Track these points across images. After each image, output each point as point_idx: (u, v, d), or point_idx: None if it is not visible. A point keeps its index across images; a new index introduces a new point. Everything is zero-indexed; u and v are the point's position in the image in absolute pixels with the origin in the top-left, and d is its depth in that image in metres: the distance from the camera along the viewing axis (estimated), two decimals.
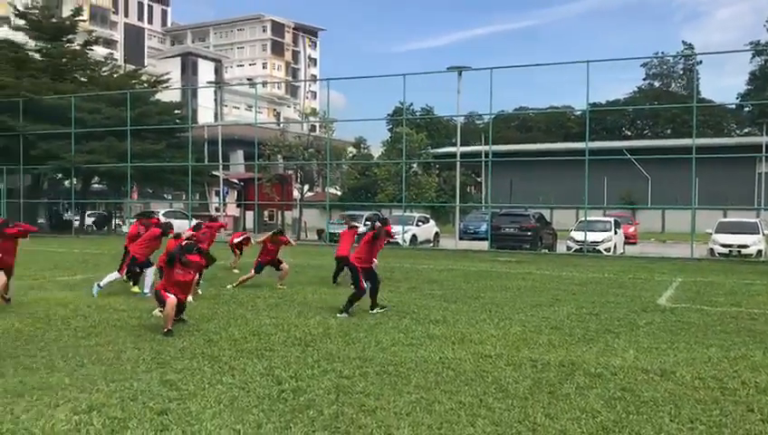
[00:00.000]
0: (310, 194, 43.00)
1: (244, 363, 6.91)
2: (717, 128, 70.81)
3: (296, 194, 39.12)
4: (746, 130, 70.76)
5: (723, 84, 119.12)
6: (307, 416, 5.24)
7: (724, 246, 24.02)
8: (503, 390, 6.12)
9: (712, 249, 24.29)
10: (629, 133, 78.70)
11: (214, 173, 39.37)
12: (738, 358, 7.57)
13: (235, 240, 16.79)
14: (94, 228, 40.25)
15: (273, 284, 13.42)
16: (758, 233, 24.29)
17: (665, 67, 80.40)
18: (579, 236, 26.67)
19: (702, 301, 12.56)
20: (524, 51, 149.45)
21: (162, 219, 15.17)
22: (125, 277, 12.31)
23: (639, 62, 75.25)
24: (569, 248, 27.04)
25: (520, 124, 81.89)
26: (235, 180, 42.77)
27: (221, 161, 37.11)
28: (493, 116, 36.31)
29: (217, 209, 38.11)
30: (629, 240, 32.49)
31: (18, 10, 42.08)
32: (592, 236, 26.17)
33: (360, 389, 6.05)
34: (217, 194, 40.68)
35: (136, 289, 12.17)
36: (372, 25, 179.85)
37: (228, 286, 13.02)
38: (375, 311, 10.27)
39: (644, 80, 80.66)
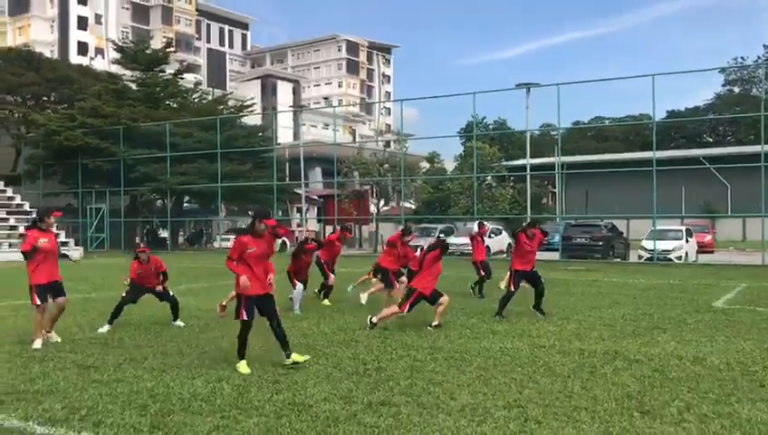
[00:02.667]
0: (385, 208, 44.64)
1: (335, 351, 8.33)
2: None
3: (372, 208, 40.74)
4: None
5: None
6: (387, 386, 6.60)
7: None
8: (550, 370, 7.31)
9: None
10: (711, 140, 77.12)
11: (296, 191, 41.52)
12: None
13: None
14: (187, 245, 42.98)
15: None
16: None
17: (745, 72, 78.40)
18: (649, 245, 27.13)
19: (758, 303, 13.26)
20: (598, 59, 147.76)
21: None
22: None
23: (720, 66, 73.88)
24: (640, 257, 27.51)
25: (596, 134, 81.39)
26: (315, 197, 44.87)
27: (303, 180, 39.14)
28: (563, 130, 37.01)
29: (299, 225, 40.17)
30: (705, 249, 32.55)
31: (116, 44, 45.75)
32: (663, 245, 26.62)
33: (430, 369, 7.37)
34: (299, 210, 42.82)
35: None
36: (444, 40, 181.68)
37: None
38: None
39: (723, 86, 78.91)
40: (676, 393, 6.31)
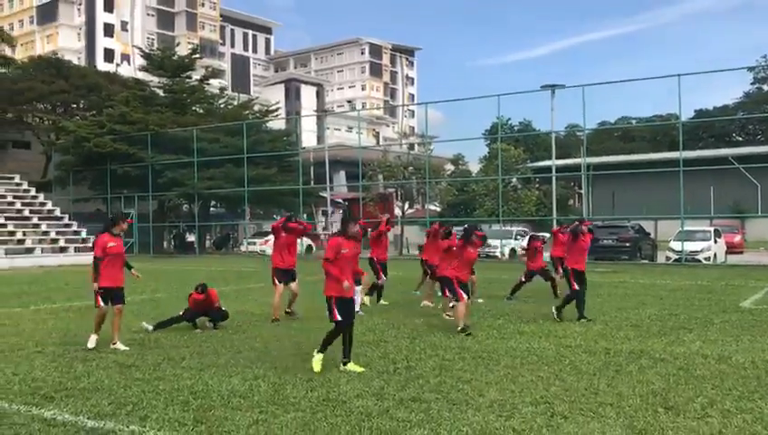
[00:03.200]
0: (410, 211, 44.80)
1: (365, 351, 8.55)
2: None
3: (397, 211, 40.91)
4: None
5: None
6: (417, 383, 6.81)
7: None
8: (576, 368, 7.47)
9: None
10: (740, 139, 76.16)
11: (321, 194, 41.86)
12: None
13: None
14: (214, 249, 43.50)
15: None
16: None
17: None
18: (677, 246, 26.98)
19: None
20: (625, 57, 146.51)
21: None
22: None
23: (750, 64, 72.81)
24: (668, 259, 27.37)
25: (623, 134, 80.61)
26: (340, 200, 45.18)
27: (328, 183, 39.47)
28: (589, 131, 36.90)
29: (325, 228, 40.52)
30: (734, 249, 32.25)
31: (143, 51, 46.51)
32: (690, 246, 26.46)
33: (459, 368, 7.57)
34: (324, 214, 43.15)
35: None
36: (466, 41, 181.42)
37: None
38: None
39: (752, 84, 77.84)
40: (700, 390, 6.45)
